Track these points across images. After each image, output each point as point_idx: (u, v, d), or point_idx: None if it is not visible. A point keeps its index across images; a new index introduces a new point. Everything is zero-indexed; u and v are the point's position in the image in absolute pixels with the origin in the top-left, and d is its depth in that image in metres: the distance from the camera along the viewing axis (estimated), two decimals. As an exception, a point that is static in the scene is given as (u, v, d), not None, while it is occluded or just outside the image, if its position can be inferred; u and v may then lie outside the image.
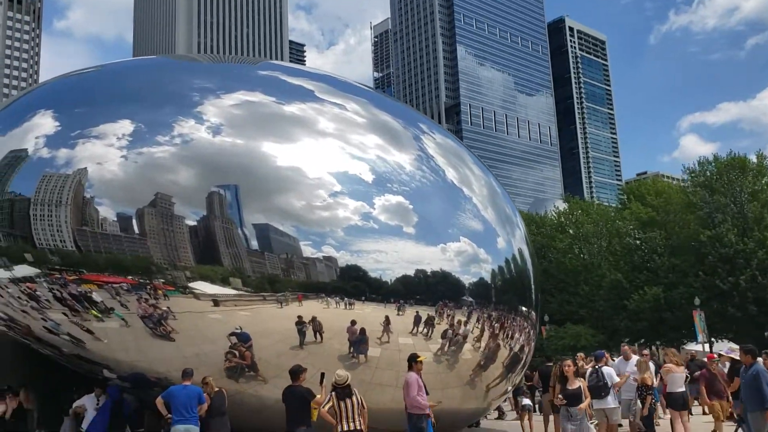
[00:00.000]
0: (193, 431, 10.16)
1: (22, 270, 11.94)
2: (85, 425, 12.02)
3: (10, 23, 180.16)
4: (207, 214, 12.10)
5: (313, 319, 11.46)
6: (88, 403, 12.12)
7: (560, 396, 9.95)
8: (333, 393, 9.12)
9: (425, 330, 12.48)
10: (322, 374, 9.53)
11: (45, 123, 13.35)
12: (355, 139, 13.52)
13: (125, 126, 12.97)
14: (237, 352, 11.23)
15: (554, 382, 13.91)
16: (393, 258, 12.43)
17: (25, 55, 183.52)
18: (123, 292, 11.60)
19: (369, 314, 12.10)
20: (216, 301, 11.66)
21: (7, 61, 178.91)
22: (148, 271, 11.75)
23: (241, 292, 11.75)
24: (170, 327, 11.29)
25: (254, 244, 12.08)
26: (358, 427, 8.95)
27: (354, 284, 12.05)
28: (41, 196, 11.97)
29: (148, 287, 11.57)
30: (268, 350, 11.70)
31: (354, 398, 9.10)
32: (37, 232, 11.81)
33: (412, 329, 12.33)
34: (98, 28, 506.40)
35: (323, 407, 9.02)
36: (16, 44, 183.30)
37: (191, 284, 11.77)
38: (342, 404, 8.97)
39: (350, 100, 14.61)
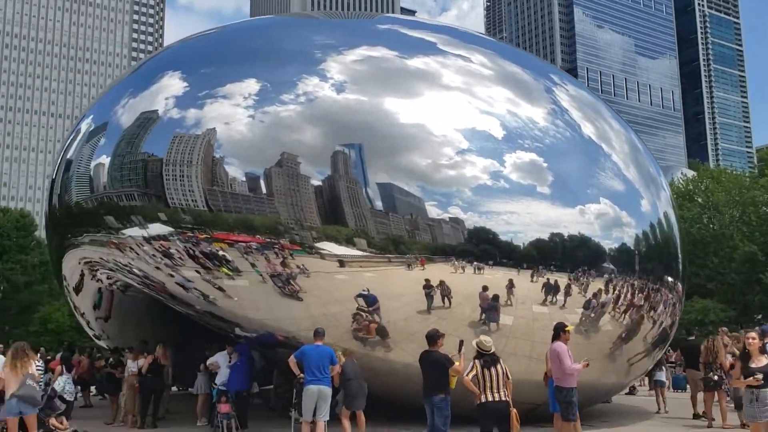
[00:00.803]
0: (325, 392, 9.86)
1: (156, 228, 12.21)
2: (218, 381, 12.22)
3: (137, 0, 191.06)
4: (332, 173, 11.84)
5: (441, 283, 10.94)
6: (221, 361, 12.30)
7: (755, 376, 8.42)
8: (476, 360, 8.32)
9: (555, 299, 11.64)
10: (461, 342, 8.92)
11: (173, 84, 13.53)
12: (482, 93, 12.76)
13: (251, 85, 12.92)
14: (364, 314, 10.94)
15: (707, 358, 12.66)
16: (525, 220, 11.65)
17: (150, 29, 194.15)
18: (252, 251, 11.60)
19: (500, 280, 11.45)
20: (342, 262, 11.42)
21: (135, 35, 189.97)
22: (276, 230, 11.69)
23: (366, 253, 11.43)
24: (298, 286, 11.15)
25: (378, 204, 11.70)
26: (503, 398, 8.13)
27: (483, 248, 11.41)
28: (173, 157, 12.13)
29: (276, 247, 11.51)
30: (396, 313, 11.33)
31: (499, 367, 8.27)
32: (169, 192, 12.01)
33: (545, 298, 11.54)
34: (218, 2, 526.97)
35: (466, 375, 8.25)
36: (143, 19, 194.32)
37: (317, 244, 11.59)
38: (486, 373, 8.15)
39: (475, 52, 13.83)
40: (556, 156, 12.23)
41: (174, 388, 18.61)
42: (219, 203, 12.08)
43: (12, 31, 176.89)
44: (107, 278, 14.68)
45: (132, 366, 13.30)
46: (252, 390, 13.27)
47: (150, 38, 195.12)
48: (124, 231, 12.62)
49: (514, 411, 8.12)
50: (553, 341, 9.33)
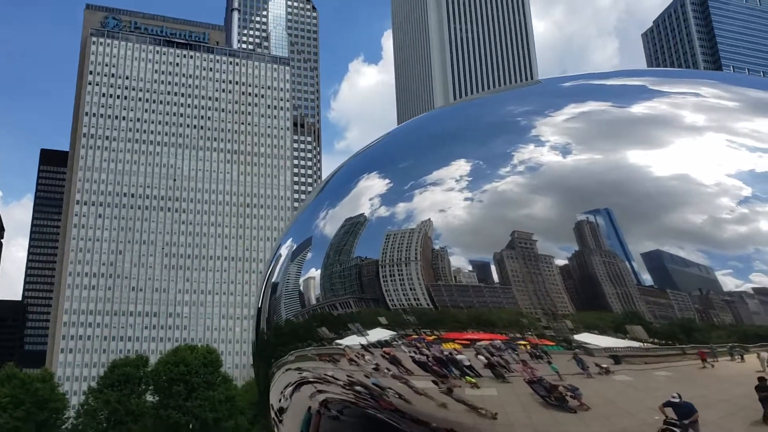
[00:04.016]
0: None
1: (377, 334, 10.75)
2: None
3: (296, 145, 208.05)
4: (579, 248, 9.81)
5: None
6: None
7: None
8: None
9: None
10: None
11: (373, 184, 12.49)
12: (741, 128, 10.27)
13: (460, 167, 11.55)
14: (677, 430, 8.28)
15: None
16: None
17: (309, 171, 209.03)
18: (494, 351, 9.66)
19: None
20: (617, 358, 9.06)
21: (296, 178, 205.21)
22: (519, 324, 9.74)
23: (645, 345, 9.01)
24: (569, 394, 8.84)
25: (647, 279, 9.42)
26: None
27: (819, 330, 8.49)
28: (388, 257, 10.89)
29: (524, 344, 9.50)
30: (715, 427, 8.48)
31: None
32: (388, 294, 10.64)
33: None
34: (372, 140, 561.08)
35: None
36: (302, 162, 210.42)
37: (576, 336, 9.43)
38: None
39: (697, 84, 11.49)
40: None
41: None
42: (444, 299, 10.45)
43: (189, 185, 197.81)
44: (318, 400, 13.26)
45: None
46: None
47: (309, 180, 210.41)
48: (339, 341, 11.28)
49: None
50: None
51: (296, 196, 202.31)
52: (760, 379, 7.32)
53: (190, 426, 69.64)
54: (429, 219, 11.59)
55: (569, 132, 11.76)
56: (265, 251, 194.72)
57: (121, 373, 73.18)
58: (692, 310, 8.67)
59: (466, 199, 11.43)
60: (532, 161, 11.39)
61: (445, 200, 11.71)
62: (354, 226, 13.19)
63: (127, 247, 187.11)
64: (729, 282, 8.53)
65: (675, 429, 7.92)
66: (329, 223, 14.35)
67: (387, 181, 13.33)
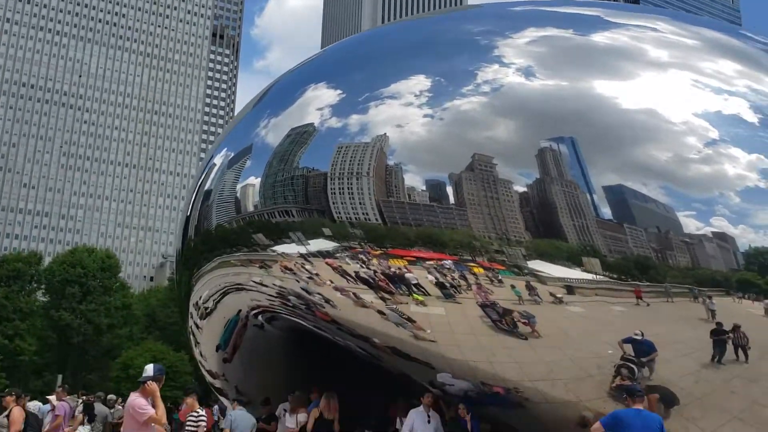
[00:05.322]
0: None
1: (319, 244, 10.21)
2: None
3: (213, 56, 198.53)
4: (540, 176, 9.54)
5: (735, 329, 8.15)
6: (418, 421, 9.70)
7: None
8: None
9: None
10: None
11: (322, 95, 11.73)
12: (705, 68, 10.25)
13: (420, 81, 10.94)
14: (634, 366, 8.21)
15: None
16: (825, 237, 8.83)
17: (224, 85, 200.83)
18: (446, 271, 9.35)
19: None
20: (570, 288, 8.94)
21: (209, 91, 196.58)
22: (471, 246, 9.44)
23: (601, 278, 8.91)
24: (521, 320, 8.64)
25: (607, 212, 9.28)
26: None
27: (770, 278, 8.58)
28: (338, 169, 10.30)
29: (476, 267, 9.21)
30: (670, 367, 8.39)
31: None
32: (336, 206, 10.09)
33: None
34: (293, 65, 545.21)
35: None
36: (218, 75, 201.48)
37: (529, 263, 9.23)
38: None
39: (652, 19, 11.44)
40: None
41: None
42: (395, 215, 9.97)
43: (94, 84, 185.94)
44: (247, 307, 12.74)
45: (289, 422, 10.86)
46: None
47: (223, 94, 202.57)
48: (275, 248, 10.66)
49: None
50: None
51: (207, 109, 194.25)
52: (718, 323, 7.07)
53: (82, 329, 67.22)
54: (384, 133, 10.65)
55: (533, 55, 10.92)
56: (169, 162, 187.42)
57: (12, 268, 68.97)
58: (649, 249, 8.29)
59: (426, 115, 10.52)
60: (496, 82, 10.52)
61: (403, 115, 10.74)
62: (301, 135, 12.01)
63: (21, 140, 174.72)
64: (690, 223, 8.14)
65: (632, 365, 7.62)
66: (272, 132, 13.02)
67: (338, 91, 12.20)
